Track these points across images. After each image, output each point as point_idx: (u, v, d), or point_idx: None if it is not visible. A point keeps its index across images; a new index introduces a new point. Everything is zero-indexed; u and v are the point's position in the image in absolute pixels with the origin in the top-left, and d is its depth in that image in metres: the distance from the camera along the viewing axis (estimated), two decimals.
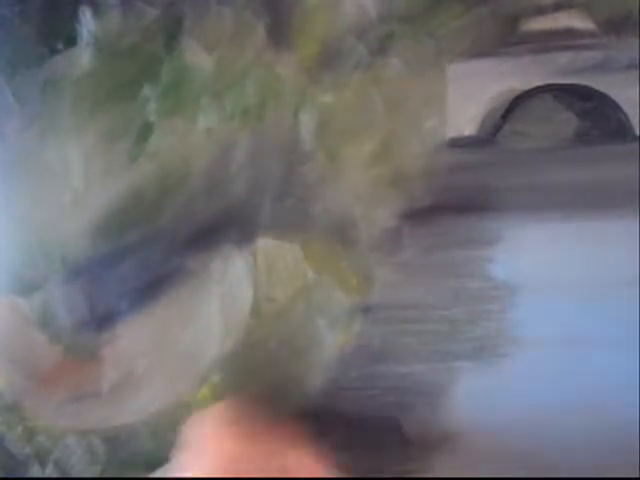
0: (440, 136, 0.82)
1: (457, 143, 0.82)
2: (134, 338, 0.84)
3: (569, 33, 0.81)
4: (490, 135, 0.82)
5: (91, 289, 0.85)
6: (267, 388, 0.64)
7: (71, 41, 0.86)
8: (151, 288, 0.84)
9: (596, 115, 0.81)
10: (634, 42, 0.78)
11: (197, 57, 0.84)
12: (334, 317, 0.82)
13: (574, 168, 0.79)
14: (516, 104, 0.82)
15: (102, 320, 0.84)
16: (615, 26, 0.80)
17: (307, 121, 0.83)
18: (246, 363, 0.83)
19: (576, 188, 0.79)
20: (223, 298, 0.83)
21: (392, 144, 0.82)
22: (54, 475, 0.84)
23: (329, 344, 0.82)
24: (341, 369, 0.81)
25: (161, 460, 0.83)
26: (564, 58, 0.80)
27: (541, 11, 0.81)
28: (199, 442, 0.42)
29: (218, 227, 0.84)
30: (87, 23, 0.85)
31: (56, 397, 0.85)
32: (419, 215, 0.80)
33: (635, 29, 0.79)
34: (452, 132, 0.82)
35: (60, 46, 0.86)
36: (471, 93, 0.82)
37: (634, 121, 0.79)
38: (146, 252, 0.84)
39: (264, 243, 0.83)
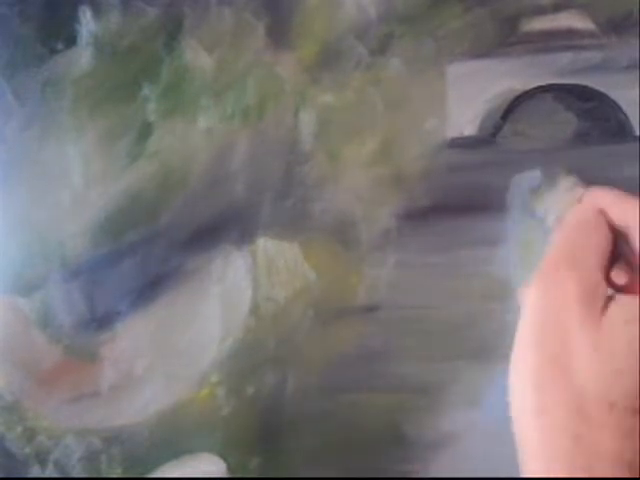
0: (440, 136, 0.82)
1: (457, 143, 0.82)
2: (134, 338, 0.84)
3: (569, 33, 0.81)
4: (490, 135, 0.82)
5: (91, 289, 0.85)
6: None
7: (71, 41, 0.86)
8: (151, 288, 0.84)
9: (596, 115, 0.81)
10: (634, 42, 0.78)
11: (197, 57, 0.84)
12: (334, 317, 0.82)
13: (574, 168, 0.79)
14: (516, 104, 0.82)
15: (102, 320, 0.84)
16: (615, 26, 0.80)
17: (307, 121, 0.83)
18: (246, 363, 0.83)
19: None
20: (223, 298, 0.83)
21: (392, 144, 0.82)
22: (54, 475, 0.84)
23: (329, 344, 0.81)
24: (341, 369, 0.81)
25: (161, 460, 0.83)
26: (564, 58, 0.80)
27: (541, 11, 0.81)
28: None
29: (218, 227, 0.83)
30: (87, 23, 0.85)
31: (56, 397, 0.85)
32: (419, 215, 0.80)
33: (635, 29, 0.79)
34: (452, 132, 0.82)
35: (60, 46, 0.86)
36: (471, 93, 0.82)
37: (634, 121, 0.79)
38: (146, 252, 0.84)
39: (264, 243, 0.83)
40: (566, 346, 0.40)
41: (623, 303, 0.39)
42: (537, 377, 0.40)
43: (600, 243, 0.42)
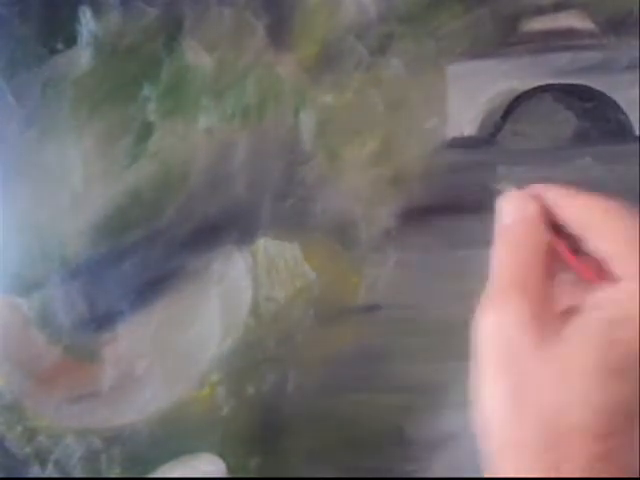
0: (440, 136, 0.82)
1: (457, 143, 0.82)
2: (134, 338, 0.84)
3: (569, 33, 0.81)
4: (490, 135, 0.82)
5: (91, 289, 0.85)
6: None
7: (71, 41, 0.86)
8: (151, 288, 0.84)
9: (596, 115, 0.81)
10: (634, 42, 0.78)
11: (197, 57, 0.84)
12: (334, 317, 0.82)
13: (574, 168, 0.79)
14: (516, 104, 0.82)
15: (102, 320, 0.84)
16: (615, 26, 0.80)
17: (307, 121, 0.83)
18: (246, 363, 0.83)
19: (576, 188, 0.78)
20: (223, 298, 0.83)
21: (392, 144, 0.82)
22: (54, 475, 0.84)
23: (329, 344, 0.82)
24: (341, 369, 0.81)
25: (161, 460, 0.83)
26: (564, 58, 0.80)
27: (541, 11, 0.81)
28: None
29: (218, 227, 0.84)
30: (87, 23, 0.85)
31: (56, 397, 0.85)
32: (419, 215, 0.80)
33: (635, 29, 0.79)
34: (452, 132, 0.82)
35: (60, 46, 0.86)
36: (471, 93, 0.82)
37: (634, 121, 0.79)
38: (146, 252, 0.84)
39: (264, 243, 0.83)
40: (525, 377, 0.37)
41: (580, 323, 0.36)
42: (502, 413, 0.38)
43: (541, 251, 0.40)
